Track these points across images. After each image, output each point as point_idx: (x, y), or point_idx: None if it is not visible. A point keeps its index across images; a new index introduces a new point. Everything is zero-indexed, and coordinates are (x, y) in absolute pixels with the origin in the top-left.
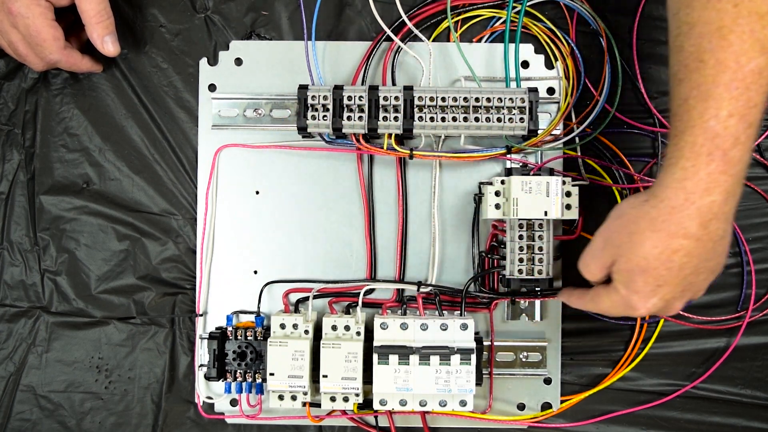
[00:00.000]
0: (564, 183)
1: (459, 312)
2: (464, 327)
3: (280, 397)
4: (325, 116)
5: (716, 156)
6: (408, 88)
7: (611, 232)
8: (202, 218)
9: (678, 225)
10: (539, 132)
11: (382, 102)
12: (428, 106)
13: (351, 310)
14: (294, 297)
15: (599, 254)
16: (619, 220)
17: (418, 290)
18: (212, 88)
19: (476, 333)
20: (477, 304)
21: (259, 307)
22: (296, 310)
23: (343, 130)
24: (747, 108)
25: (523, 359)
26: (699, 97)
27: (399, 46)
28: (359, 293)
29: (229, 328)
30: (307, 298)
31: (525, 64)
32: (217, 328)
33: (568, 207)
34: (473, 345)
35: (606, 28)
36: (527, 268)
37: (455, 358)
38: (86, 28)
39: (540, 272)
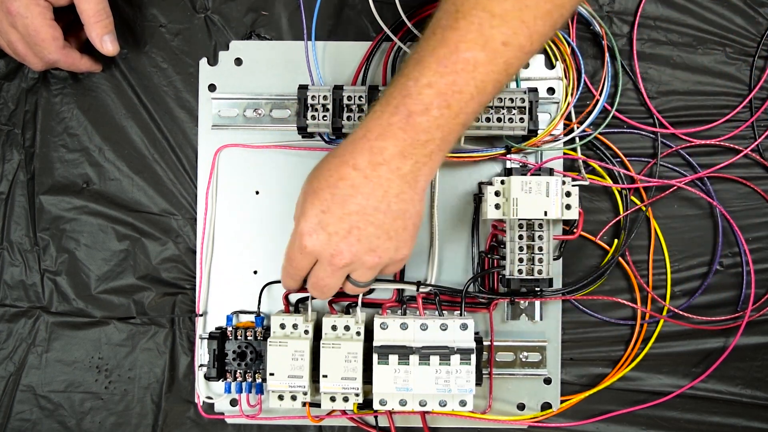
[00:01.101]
0: (564, 183)
1: (459, 312)
2: (464, 327)
3: (280, 397)
4: (325, 116)
5: (401, 112)
6: None
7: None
8: (202, 218)
9: (350, 155)
10: (539, 132)
11: None
12: None
13: (351, 310)
14: (294, 297)
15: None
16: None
17: (417, 290)
18: (212, 88)
19: (476, 333)
20: (477, 304)
21: (259, 307)
22: (296, 310)
23: (343, 130)
24: (450, 90)
25: (523, 359)
26: (415, 59)
27: (399, 46)
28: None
29: (229, 328)
30: (306, 298)
31: (525, 64)
32: (217, 328)
33: (568, 207)
34: (473, 345)
35: (606, 28)
36: (527, 268)
37: (455, 358)
38: (85, 28)
39: (540, 272)
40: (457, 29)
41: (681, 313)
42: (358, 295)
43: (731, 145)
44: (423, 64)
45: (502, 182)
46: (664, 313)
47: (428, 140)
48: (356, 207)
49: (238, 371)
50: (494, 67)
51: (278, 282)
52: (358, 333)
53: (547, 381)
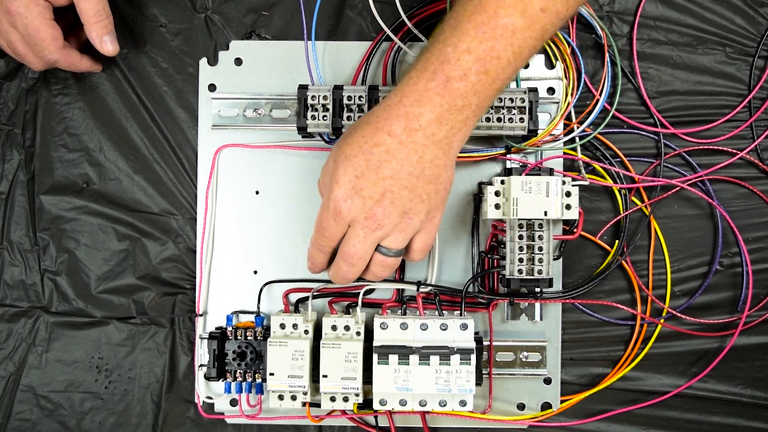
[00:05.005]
0: (564, 183)
1: (459, 312)
2: (464, 327)
3: (280, 397)
4: (325, 116)
5: (439, 78)
6: None
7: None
8: (202, 218)
9: (386, 121)
10: (539, 132)
11: None
12: None
13: (351, 310)
14: (294, 297)
15: (328, 167)
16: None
17: (417, 290)
18: (212, 88)
19: (476, 333)
20: (477, 304)
21: (258, 307)
22: (296, 310)
23: (343, 130)
24: (488, 55)
25: (523, 359)
26: (451, 26)
27: (399, 46)
28: (359, 293)
29: (229, 328)
30: (306, 298)
31: (525, 64)
32: (217, 328)
33: (568, 207)
34: (473, 345)
35: (606, 28)
36: (527, 268)
37: (455, 358)
38: (85, 28)
39: (540, 272)
40: None
41: (679, 315)
42: (359, 294)
43: (730, 149)
44: (461, 30)
45: (502, 182)
46: (663, 313)
47: (464, 105)
48: (390, 172)
49: (238, 371)
50: (532, 32)
51: (278, 282)
52: (358, 333)
53: (547, 381)
